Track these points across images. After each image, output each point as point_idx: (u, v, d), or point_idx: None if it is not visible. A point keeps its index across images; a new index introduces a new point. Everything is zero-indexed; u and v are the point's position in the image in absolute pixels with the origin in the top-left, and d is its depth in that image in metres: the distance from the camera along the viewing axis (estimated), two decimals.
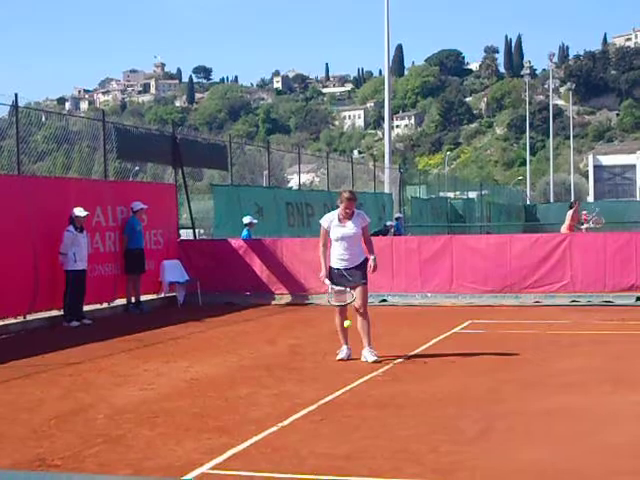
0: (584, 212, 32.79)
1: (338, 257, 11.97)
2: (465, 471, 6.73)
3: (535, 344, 13.33)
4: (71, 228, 16.93)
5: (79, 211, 17.04)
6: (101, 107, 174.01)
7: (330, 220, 12.11)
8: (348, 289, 11.98)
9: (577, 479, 6.63)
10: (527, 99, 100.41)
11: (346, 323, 11.95)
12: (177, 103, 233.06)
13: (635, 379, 10.45)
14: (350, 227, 11.98)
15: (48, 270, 16.98)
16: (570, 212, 26.80)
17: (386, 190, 37.63)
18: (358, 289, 11.93)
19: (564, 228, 26.24)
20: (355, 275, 11.94)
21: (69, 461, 7.21)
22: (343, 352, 12.08)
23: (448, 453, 7.22)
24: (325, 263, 12.08)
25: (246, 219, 22.58)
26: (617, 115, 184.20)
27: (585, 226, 29.38)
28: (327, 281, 12.08)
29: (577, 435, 7.79)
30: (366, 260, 12.06)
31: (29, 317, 16.94)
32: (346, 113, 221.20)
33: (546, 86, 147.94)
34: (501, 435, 7.85)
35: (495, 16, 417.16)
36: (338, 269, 11.97)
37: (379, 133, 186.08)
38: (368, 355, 11.78)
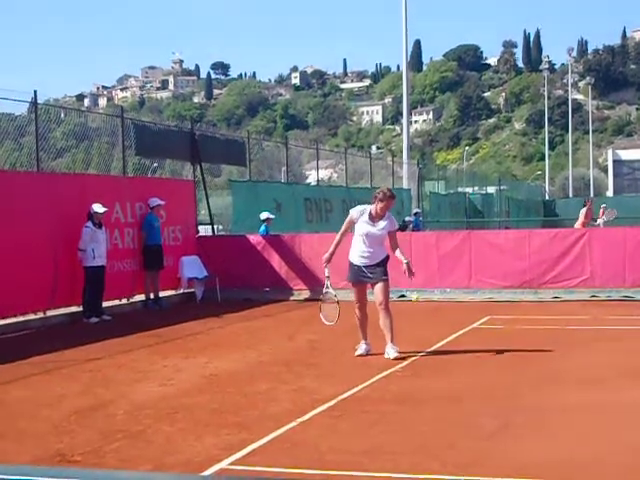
0: (603, 205, 32.58)
1: (359, 254, 11.91)
2: (483, 467, 6.73)
3: (554, 340, 13.29)
4: (89, 224, 16.97)
5: (98, 207, 17.08)
6: (120, 103, 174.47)
7: (361, 213, 11.91)
8: (337, 300, 12.10)
9: (595, 475, 6.62)
10: (546, 94, 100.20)
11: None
12: (195, 99, 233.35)
13: None
14: (379, 227, 11.85)
15: (67, 266, 17.03)
16: (584, 210, 26.75)
17: (404, 185, 37.54)
18: (379, 285, 11.85)
19: (577, 225, 26.20)
20: (376, 272, 11.86)
21: (89, 456, 7.25)
22: (362, 348, 12.06)
23: (466, 449, 7.22)
24: (333, 249, 12.04)
25: (263, 215, 22.59)
26: (637, 109, 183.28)
27: (599, 221, 29.19)
28: (326, 271, 12.20)
29: (595, 431, 7.78)
30: (387, 257, 12.02)
31: (49, 313, 17.02)
32: (364, 108, 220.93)
33: (565, 81, 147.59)
34: (519, 431, 7.85)
35: (513, 10, 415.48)
36: (358, 266, 11.93)
37: (397, 128, 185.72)
38: (390, 351, 11.69)
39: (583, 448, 7.22)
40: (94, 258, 16.92)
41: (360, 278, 11.96)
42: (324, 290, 12.50)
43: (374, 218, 11.86)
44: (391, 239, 12.03)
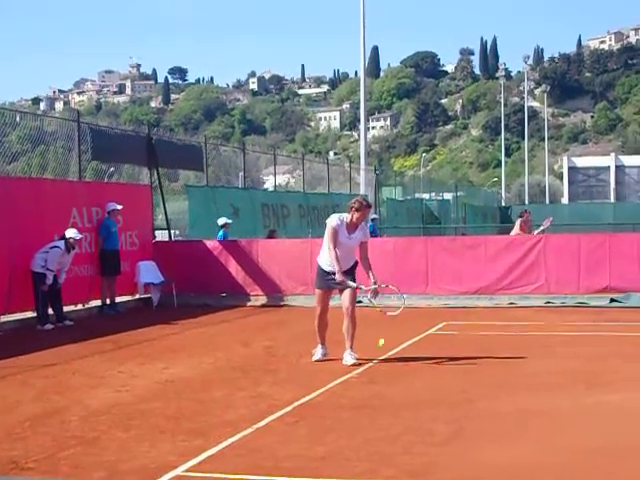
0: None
1: (329, 261, 11.82)
2: (438, 472, 6.76)
3: (509, 345, 13.38)
4: (61, 245, 16.72)
5: (74, 233, 16.90)
6: (76, 107, 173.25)
7: (341, 222, 11.72)
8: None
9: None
10: (502, 101, 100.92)
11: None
12: (152, 104, 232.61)
13: (608, 380, 10.52)
14: (354, 238, 11.81)
15: (22, 271, 16.85)
16: (519, 222, 27.06)
17: (362, 191, 37.58)
18: (347, 291, 11.84)
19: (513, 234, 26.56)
20: (344, 278, 11.84)
21: (43, 464, 7.18)
22: (319, 352, 12.06)
23: (421, 454, 7.25)
24: (338, 264, 11.64)
25: (221, 220, 22.55)
26: (591, 117, 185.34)
27: (538, 230, 29.11)
28: (353, 284, 11.89)
29: (550, 436, 7.84)
30: (356, 264, 12.02)
31: (3, 319, 16.84)
32: (322, 114, 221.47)
33: (521, 88, 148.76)
34: (474, 436, 7.89)
35: (470, 18, 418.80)
36: (327, 272, 11.87)
37: (355, 134, 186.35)
38: (348, 358, 11.71)
39: (537, 453, 7.27)
40: (54, 277, 16.67)
41: (329, 284, 11.93)
42: (368, 294, 12.17)
43: (349, 228, 11.79)
44: (362, 249, 12.01)
